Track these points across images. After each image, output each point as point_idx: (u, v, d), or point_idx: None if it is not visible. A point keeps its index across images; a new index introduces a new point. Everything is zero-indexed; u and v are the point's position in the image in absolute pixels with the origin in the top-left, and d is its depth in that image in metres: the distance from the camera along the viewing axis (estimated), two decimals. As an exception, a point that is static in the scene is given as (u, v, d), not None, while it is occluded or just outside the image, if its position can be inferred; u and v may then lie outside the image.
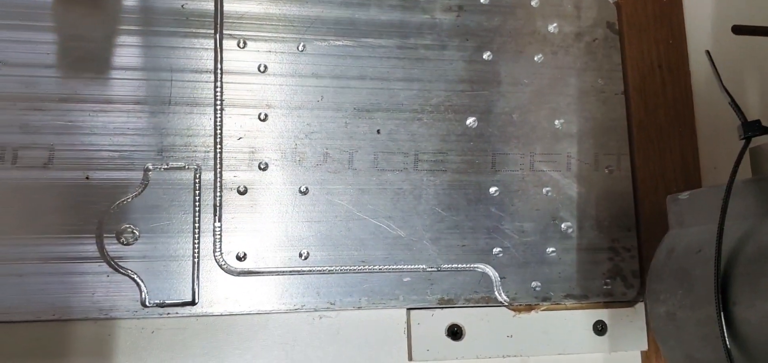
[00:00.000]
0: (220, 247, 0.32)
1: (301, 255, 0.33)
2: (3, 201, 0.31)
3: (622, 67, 0.38)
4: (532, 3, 0.37)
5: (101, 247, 0.31)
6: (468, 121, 0.36)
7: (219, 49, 0.34)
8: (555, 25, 0.37)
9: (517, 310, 0.35)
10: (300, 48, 0.34)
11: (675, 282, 0.29)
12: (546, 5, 0.37)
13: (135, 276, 0.32)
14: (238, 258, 0.33)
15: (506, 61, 0.37)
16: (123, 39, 0.33)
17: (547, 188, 0.36)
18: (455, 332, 0.34)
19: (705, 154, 0.39)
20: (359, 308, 0.34)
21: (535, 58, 0.37)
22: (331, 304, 0.33)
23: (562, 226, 0.36)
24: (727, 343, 0.25)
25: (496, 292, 0.35)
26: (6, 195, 0.31)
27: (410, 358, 0.34)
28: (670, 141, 0.38)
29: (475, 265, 0.35)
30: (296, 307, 0.33)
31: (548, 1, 0.38)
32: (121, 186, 0.32)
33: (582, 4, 0.38)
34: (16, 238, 0.31)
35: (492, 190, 0.36)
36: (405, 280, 0.34)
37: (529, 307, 0.35)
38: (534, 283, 0.35)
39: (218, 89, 0.33)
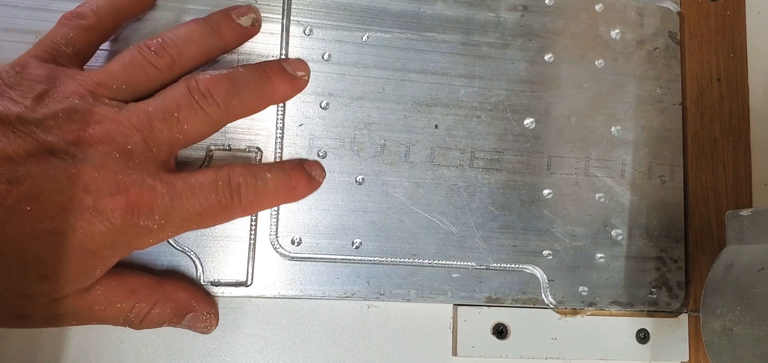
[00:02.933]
0: (277, 231, 0.33)
1: (353, 244, 0.33)
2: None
3: (681, 78, 0.38)
4: (596, 7, 0.37)
5: (160, 223, 0.32)
6: (526, 122, 0.36)
7: (285, 35, 0.34)
8: (617, 31, 0.37)
9: (563, 313, 0.35)
10: (364, 38, 0.35)
11: (733, 298, 0.29)
12: (610, 11, 0.37)
13: (191, 253, 0.32)
14: (293, 243, 0.33)
15: (567, 64, 0.37)
16: (191, 19, 0.33)
17: (600, 194, 0.36)
18: (501, 331, 0.35)
19: (758, 170, 0.38)
20: (408, 301, 0.34)
21: (596, 63, 0.37)
22: (380, 294, 0.34)
23: (613, 232, 0.36)
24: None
25: (543, 294, 0.35)
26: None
27: (454, 354, 0.35)
28: (723, 155, 0.38)
29: (525, 266, 0.35)
30: (346, 295, 0.33)
31: (612, 6, 0.37)
32: (183, 164, 0.32)
33: (645, 12, 0.38)
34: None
35: (545, 192, 0.36)
36: (454, 276, 0.34)
37: (575, 311, 0.36)
38: (581, 288, 0.36)
39: (282, 74, 0.34)
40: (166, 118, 0.28)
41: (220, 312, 0.33)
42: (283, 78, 0.32)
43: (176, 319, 0.30)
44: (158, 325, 0.30)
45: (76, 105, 0.27)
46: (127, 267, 0.30)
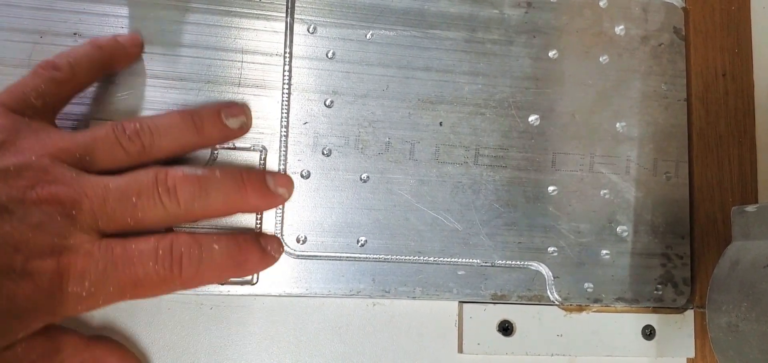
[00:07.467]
0: (282, 229, 0.33)
1: (358, 242, 0.34)
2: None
3: (686, 74, 0.38)
4: (601, 3, 0.37)
5: (166, 222, 0.32)
6: (530, 119, 0.36)
7: (289, 33, 0.34)
8: (622, 27, 0.37)
9: (569, 310, 0.35)
10: (368, 36, 0.35)
11: (739, 294, 0.29)
12: (614, 6, 0.37)
13: (197, 252, 0.32)
14: (299, 241, 0.33)
15: (572, 61, 0.36)
16: (196, 17, 0.33)
17: (605, 191, 0.36)
18: (506, 328, 0.35)
19: (763, 166, 0.38)
20: (413, 298, 0.34)
21: (600, 59, 0.37)
22: (386, 292, 0.34)
23: (618, 229, 0.36)
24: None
25: (548, 291, 0.35)
26: (77, 165, 0.31)
27: (460, 351, 0.35)
28: (728, 151, 0.38)
29: (530, 263, 0.35)
30: (351, 293, 0.33)
31: (616, 2, 0.37)
32: (189, 163, 0.32)
33: (650, 8, 0.38)
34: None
35: (550, 189, 0.36)
36: (459, 273, 0.34)
37: (580, 308, 0.36)
38: (586, 285, 0.35)
39: (287, 73, 0.34)
40: (122, 200, 0.27)
41: (226, 311, 0.33)
42: (259, 192, 0.30)
43: None
44: None
45: (30, 162, 0.26)
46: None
